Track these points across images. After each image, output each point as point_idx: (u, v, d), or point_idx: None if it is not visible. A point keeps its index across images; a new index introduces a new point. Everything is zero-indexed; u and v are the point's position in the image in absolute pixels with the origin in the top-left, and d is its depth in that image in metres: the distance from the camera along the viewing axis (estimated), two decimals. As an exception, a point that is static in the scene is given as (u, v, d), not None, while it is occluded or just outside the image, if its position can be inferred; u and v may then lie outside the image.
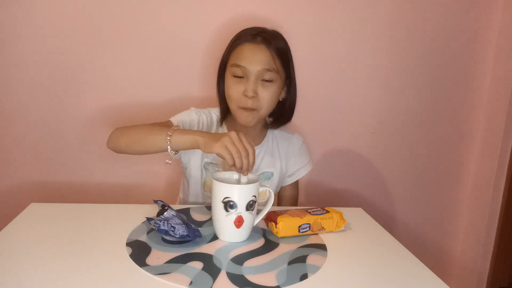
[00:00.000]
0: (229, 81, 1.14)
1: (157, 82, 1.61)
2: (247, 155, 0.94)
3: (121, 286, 0.75)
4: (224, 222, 0.93)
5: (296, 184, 1.38)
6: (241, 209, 0.91)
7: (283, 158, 1.31)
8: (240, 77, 1.12)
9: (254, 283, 0.77)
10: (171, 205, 1.04)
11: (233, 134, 0.95)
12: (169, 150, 1.02)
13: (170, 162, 1.05)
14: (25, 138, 1.59)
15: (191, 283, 0.76)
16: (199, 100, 1.63)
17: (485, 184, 1.83)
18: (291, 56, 1.20)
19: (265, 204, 1.02)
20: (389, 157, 1.81)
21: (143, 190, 1.68)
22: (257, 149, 1.26)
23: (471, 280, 1.90)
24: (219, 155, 0.95)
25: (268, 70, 1.11)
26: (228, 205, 0.91)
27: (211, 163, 1.24)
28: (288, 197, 1.37)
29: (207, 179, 1.25)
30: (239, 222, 0.92)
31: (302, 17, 1.63)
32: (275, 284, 0.78)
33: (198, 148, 0.99)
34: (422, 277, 0.85)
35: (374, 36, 1.69)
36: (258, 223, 1.01)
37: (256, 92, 1.11)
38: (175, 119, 1.19)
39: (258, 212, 1.00)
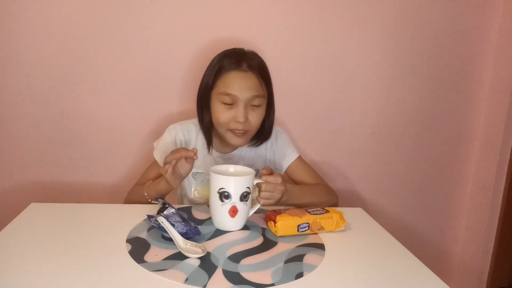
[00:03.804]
0: (219, 108, 1.17)
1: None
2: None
3: (118, 282, 0.76)
4: (219, 212, 0.99)
5: (298, 167, 1.35)
6: (235, 199, 0.97)
7: (267, 152, 1.34)
8: (229, 104, 1.16)
9: (249, 281, 0.78)
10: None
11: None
12: (153, 201, 1.15)
13: (156, 202, 1.13)
14: (25, 138, 1.59)
15: (186, 279, 0.77)
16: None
17: (485, 184, 1.82)
18: (269, 74, 1.24)
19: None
20: (389, 157, 1.81)
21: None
22: (239, 150, 1.31)
23: (471, 280, 1.89)
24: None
25: (257, 96, 1.16)
26: (223, 195, 0.97)
27: (198, 172, 1.29)
28: (302, 181, 1.34)
29: (198, 187, 1.29)
30: (233, 211, 0.98)
31: (302, 17, 1.63)
32: (269, 282, 0.78)
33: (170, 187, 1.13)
34: (422, 277, 0.85)
35: (374, 36, 1.69)
36: (258, 222, 1.06)
37: (246, 118, 1.16)
38: (156, 152, 1.29)
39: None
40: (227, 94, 1.14)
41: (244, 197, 0.98)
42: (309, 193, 1.23)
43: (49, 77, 1.56)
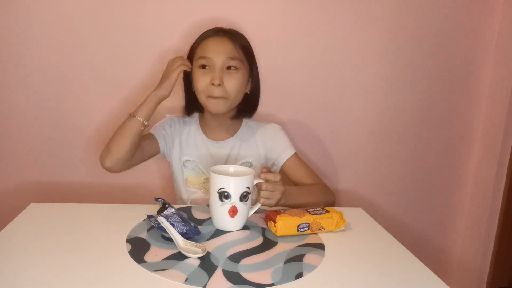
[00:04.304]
0: (196, 74, 1.22)
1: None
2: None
3: (118, 283, 0.76)
4: (219, 211, 0.99)
5: (295, 164, 1.33)
6: (235, 199, 0.98)
7: (261, 147, 1.34)
8: (205, 67, 1.20)
9: (249, 281, 0.78)
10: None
11: (170, 61, 1.23)
12: (143, 121, 1.16)
13: (147, 124, 1.18)
14: (25, 138, 1.59)
15: (186, 279, 0.77)
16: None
17: (485, 184, 1.82)
18: (253, 54, 1.29)
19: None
20: (389, 157, 1.81)
21: (143, 190, 1.68)
22: (232, 139, 1.32)
23: (471, 280, 1.89)
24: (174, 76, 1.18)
25: (232, 58, 1.19)
26: (223, 195, 0.97)
27: (189, 160, 1.31)
28: (299, 179, 1.33)
29: (188, 175, 1.30)
30: (233, 212, 0.98)
31: (302, 16, 1.63)
32: (269, 282, 0.78)
33: (161, 97, 1.19)
34: (422, 277, 0.85)
35: (374, 36, 1.69)
36: (258, 222, 1.06)
37: (222, 81, 1.18)
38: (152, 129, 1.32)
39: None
40: (203, 57, 1.19)
41: (244, 197, 0.98)
42: (306, 193, 1.23)
43: (49, 77, 1.56)
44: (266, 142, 1.34)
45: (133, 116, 1.15)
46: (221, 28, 1.26)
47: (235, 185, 0.97)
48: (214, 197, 0.99)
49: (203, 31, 1.28)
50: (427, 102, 1.79)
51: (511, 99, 1.70)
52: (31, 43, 1.53)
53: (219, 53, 1.18)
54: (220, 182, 0.98)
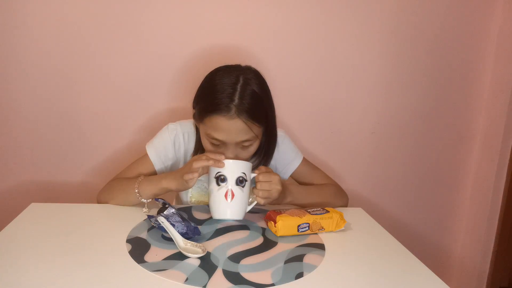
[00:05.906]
0: (207, 144, 1.11)
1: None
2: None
3: (118, 283, 0.76)
4: (216, 197, 1.01)
5: (303, 172, 1.29)
6: (231, 182, 1.00)
7: (272, 161, 1.27)
8: (217, 144, 1.09)
9: (249, 281, 0.78)
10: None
11: (192, 159, 1.04)
12: (145, 201, 1.11)
13: (147, 210, 1.11)
14: (25, 138, 1.59)
15: (186, 279, 0.77)
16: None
17: (485, 184, 1.82)
18: (267, 98, 1.12)
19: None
20: (389, 157, 1.81)
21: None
22: None
23: (471, 280, 1.89)
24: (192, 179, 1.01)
25: (246, 140, 1.07)
26: (220, 179, 1.00)
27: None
28: (310, 184, 1.29)
29: (194, 193, 1.26)
30: (229, 196, 1.00)
31: (302, 16, 1.63)
32: (269, 282, 0.78)
33: (170, 190, 1.09)
34: (422, 277, 0.85)
35: (374, 36, 1.69)
36: (258, 222, 1.06)
37: (236, 155, 1.09)
38: (150, 147, 1.22)
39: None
40: (214, 138, 1.06)
41: (240, 182, 1.00)
42: (316, 193, 1.20)
43: (49, 77, 1.56)
44: (274, 155, 1.26)
45: (137, 192, 1.09)
46: (231, 93, 1.03)
47: (231, 168, 1.00)
48: (212, 183, 1.01)
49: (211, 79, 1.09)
50: (427, 102, 1.79)
51: (511, 99, 1.71)
52: (32, 43, 1.53)
53: (232, 137, 1.05)
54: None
